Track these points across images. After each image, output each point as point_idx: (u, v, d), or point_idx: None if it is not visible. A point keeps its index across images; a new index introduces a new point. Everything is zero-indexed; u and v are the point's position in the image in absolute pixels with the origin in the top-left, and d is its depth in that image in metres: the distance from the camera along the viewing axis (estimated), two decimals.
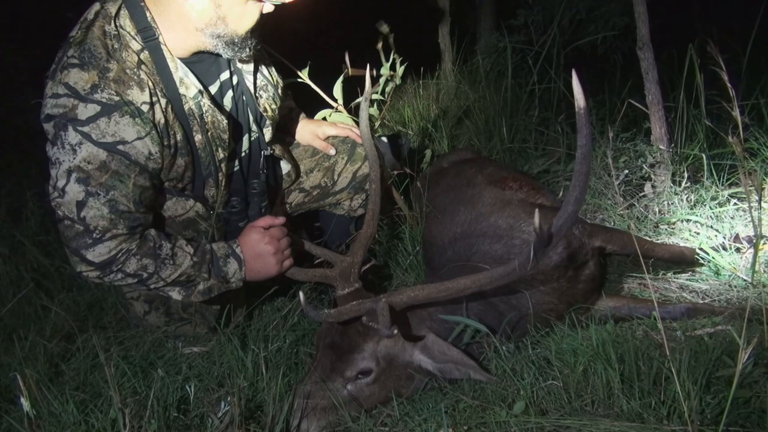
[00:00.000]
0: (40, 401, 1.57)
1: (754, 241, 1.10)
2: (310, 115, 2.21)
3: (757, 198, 1.14)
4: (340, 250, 2.08)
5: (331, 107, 2.15)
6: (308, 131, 2.15)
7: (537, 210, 1.22)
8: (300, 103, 2.23)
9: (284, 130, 2.19)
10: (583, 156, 1.24)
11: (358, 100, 2.13)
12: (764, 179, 2.19)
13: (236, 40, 1.64)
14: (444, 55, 4.59)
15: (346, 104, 2.12)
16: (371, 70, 1.93)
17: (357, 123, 2.15)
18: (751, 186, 1.04)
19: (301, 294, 1.41)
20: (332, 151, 2.12)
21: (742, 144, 1.08)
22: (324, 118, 2.20)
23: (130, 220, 1.61)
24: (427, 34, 5.35)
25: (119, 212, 1.58)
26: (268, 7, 1.63)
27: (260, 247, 1.74)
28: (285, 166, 2.04)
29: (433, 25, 4.87)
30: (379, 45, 2.00)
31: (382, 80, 2.04)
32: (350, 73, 2.01)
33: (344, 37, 4.18)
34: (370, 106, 1.96)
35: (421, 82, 4.16)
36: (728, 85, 1.10)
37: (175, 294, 1.73)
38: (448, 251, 2.00)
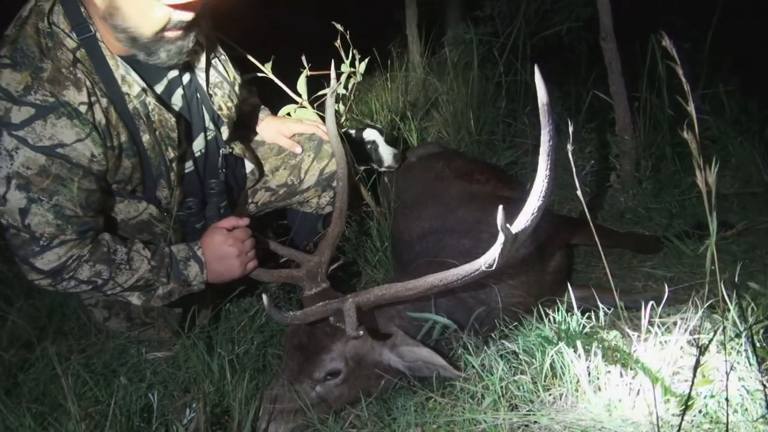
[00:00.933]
0: None
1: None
2: (275, 111, 2.17)
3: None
4: (308, 249, 2.05)
5: (296, 102, 2.11)
6: (273, 129, 2.10)
7: (500, 207, 1.21)
8: (264, 98, 2.18)
9: (248, 128, 2.14)
10: (546, 151, 1.23)
11: (321, 92, 2.10)
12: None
13: (141, 40, 1.51)
14: (411, 47, 4.55)
15: (309, 99, 2.08)
16: (335, 67, 1.90)
17: (322, 119, 2.11)
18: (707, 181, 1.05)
19: (264, 297, 1.38)
20: (298, 149, 2.07)
21: (698, 139, 1.08)
22: (288, 114, 2.16)
23: (79, 225, 1.55)
24: (393, 24, 5.34)
25: (66, 217, 1.52)
26: (180, 15, 1.48)
27: (223, 249, 1.70)
28: (248, 165, 2.00)
29: (400, 14, 4.85)
30: (338, 42, 1.97)
31: (343, 77, 2.01)
32: (309, 74, 1.97)
33: (306, 32, 4.13)
34: (335, 102, 1.92)
35: (389, 74, 4.13)
36: (683, 79, 1.10)
37: (135, 299, 1.68)
38: (416, 246, 1.99)
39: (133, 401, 1.58)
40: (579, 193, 1.34)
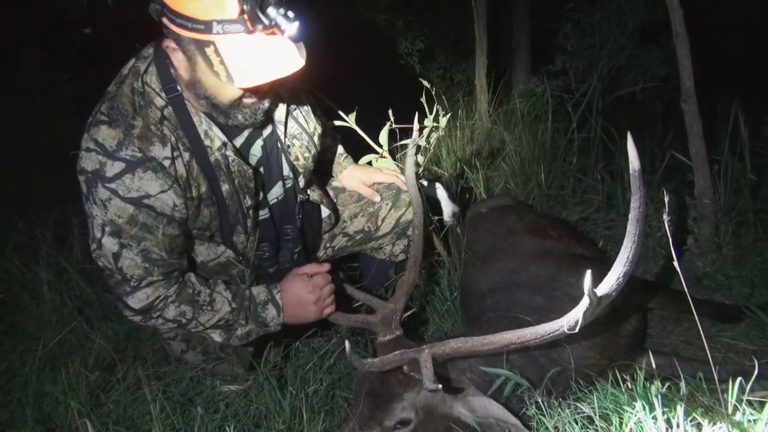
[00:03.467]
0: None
1: None
2: (356, 159, 2.25)
3: None
4: (380, 295, 2.08)
5: (377, 152, 2.19)
6: (355, 177, 2.19)
7: (588, 272, 1.21)
8: (346, 147, 2.27)
9: (329, 174, 2.23)
10: (636, 218, 1.24)
11: (402, 143, 2.17)
12: None
13: (220, 106, 1.62)
14: (480, 96, 4.63)
15: (390, 148, 2.15)
16: (418, 121, 1.97)
17: (401, 169, 2.18)
18: None
19: (346, 343, 1.42)
20: (377, 198, 2.14)
21: None
22: (369, 163, 2.24)
23: (164, 267, 1.67)
24: (459, 71, 5.45)
25: (152, 261, 1.64)
26: (256, 91, 1.57)
27: (302, 295, 1.77)
28: (324, 211, 2.07)
29: (469, 64, 4.95)
30: (423, 98, 2.06)
31: (426, 131, 2.07)
32: (394, 126, 2.05)
33: (389, 85, 4.27)
34: (414, 153, 1.99)
35: (457, 123, 4.20)
36: None
37: (216, 336, 1.77)
38: (487, 299, 1.99)
39: (209, 431, 1.64)
40: (676, 264, 1.33)
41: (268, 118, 1.83)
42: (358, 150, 2.28)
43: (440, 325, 2.20)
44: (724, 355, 1.91)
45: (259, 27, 1.40)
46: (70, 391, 1.86)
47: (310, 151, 1.93)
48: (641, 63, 3.63)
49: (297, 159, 1.90)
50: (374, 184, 2.17)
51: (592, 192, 3.01)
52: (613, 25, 3.86)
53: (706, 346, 1.49)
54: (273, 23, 1.40)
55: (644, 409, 1.44)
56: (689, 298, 1.46)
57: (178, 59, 1.56)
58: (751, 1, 3.90)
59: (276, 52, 1.44)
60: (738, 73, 3.66)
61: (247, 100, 1.63)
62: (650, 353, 1.88)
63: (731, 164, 2.48)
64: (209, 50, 1.44)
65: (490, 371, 1.62)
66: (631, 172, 1.23)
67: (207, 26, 1.40)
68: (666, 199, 1.30)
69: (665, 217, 1.30)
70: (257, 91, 1.61)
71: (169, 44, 1.53)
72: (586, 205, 2.93)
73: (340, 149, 2.26)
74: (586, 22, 3.98)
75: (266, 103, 1.69)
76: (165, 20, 1.46)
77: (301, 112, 1.92)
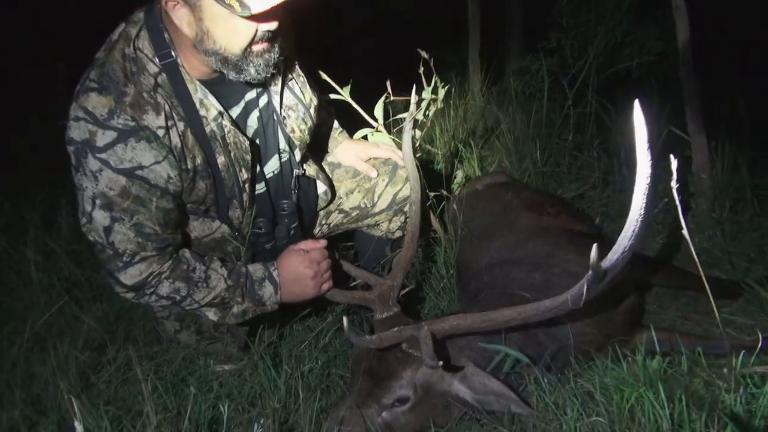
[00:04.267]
0: (72, 415, 1.56)
1: None
2: (350, 133, 2.20)
3: None
4: (377, 272, 2.05)
5: (372, 126, 2.14)
6: (351, 152, 2.13)
7: (595, 246, 1.18)
8: (340, 121, 2.22)
9: (324, 149, 2.18)
10: (643, 190, 1.20)
11: (400, 116, 2.12)
12: None
13: (232, 59, 1.55)
14: (472, 76, 4.58)
15: (385, 123, 2.11)
16: (414, 93, 1.92)
17: (398, 144, 2.13)
18: None
19: (344, 320, 1.39)
20: (374, 173, 2.09)
21: None
22: (365, 137, 2.19)
23: (158, 242, 1.62)
24: (451, 52, 5.38)
25: (145, 235, 1.59)
26: (266, 26, 1.51)
27: (299, 271, 1.73)
28: (320, 186, 2.03)
29: (461, 43, 4.88)
30: (421, 69, 2.00)
31: (424, 103, 2.02)
32: (392, 99, 2.00)
33: (384, 57, 4.20)
34: (412, 128, 1.94)
35: (450, 102, 4.15)
36: None
37: (211, 315, 1.73)
38: (484, 276, 1.96)
39: (202, 411, 1.61)
40: (686, 232, 1.30)
41: (263, 86, 1.78)
42: (352, 124, 2.22)
43: (437, 303, 2.18)
44: (722, 331, 1.90)
45: None
46: (59, 371, 1.82)
47: (306, 123, 1.88)
48: (637, 39, 3.58)
49: (293, 131, 1.85)
50: (371, 159, 2.12)
51: (587, 169, 2.98)
52: (607, 1, 3.81)
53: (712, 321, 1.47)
54: None
55: (645, 384, 1.42)
56: (699, 272, 1.43)
57: (180, 16, 1.48)
58: None
59: None
60: (738, 48, 3.62)
61: (258, 47, 1.56)
62: (644, 328, 1.87)
63: (729, 140, 2.46)
64: None
65: (490, 348, 1.60)
66: (637, 140, 1.19)
67: None
68: (674, 166, 1.26)
69: (673, 184, 1.26)
70: (267, 36, 1.55)
71: (169, 0, 1.45)
72: (582, 182, 2.91)
73: (336, 123, 2.20)
74: None
75: (275, 55, 1.62)
76: None
77: (296, 83, 1.87)
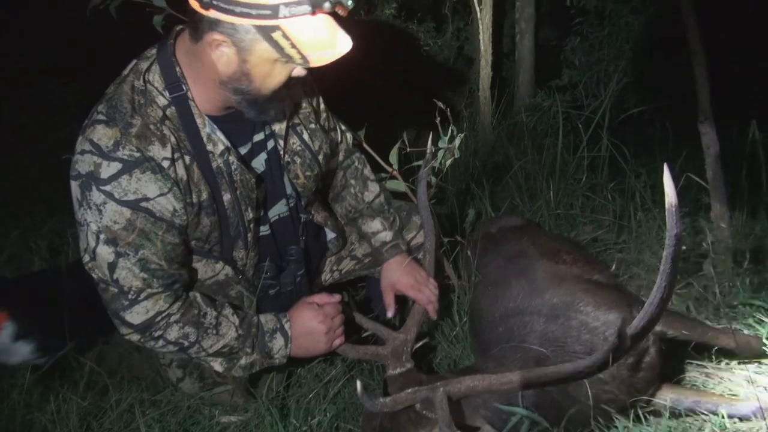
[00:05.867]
0: None
1: None
2: None
3: None
4: (390, 322, 1.99)
5: (386, 172, 2.11)
6: (389, 277, 1.97)
7: (623, 317, 1.13)
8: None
9: (350, 212, 2.08)
10: (670, 256, 1.16)
11: (415, 164, 2.07)
12: None
13: (259, 100, 1.55)
14: (483, 108, 4.57)
15: (400, 170, 2.07)
16: (431, 142, 1.90)
17: (412, 190, 2.10)
18: None
19: (358, 383, 1.34)
20: (390, 314, 1.95)
21: None
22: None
23: (164, 278, 1.57)
24: (462, 82, 5.38)
25: (151, 271, 1.54)
26: (299, 71, 1.53)
27: (312, 325, 1.68)
28: (329, 233, 1.99)
29: (471, 74, 4.88)
30: (438, 119, 1.98)
31: (440, 153, 1.99)
32: (408, 150, 1.98)
33: (400, 104, 4.20)
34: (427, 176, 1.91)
35: (462, 135, 4.12)
36: None
37: (217, 365, 1.67)
38: (499, 327, 1.91)
39: None
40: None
41: (272, 130, 1.76)
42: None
43: (449, 352, 2.12)
44: (746, 391, 1.83)
45: (326, 6, 1.36)
46: (59, 418, 1.77)
47: (312, 171, 1.83)
48: (651, 80, 3.57)
49: (297, 177, 1.81)
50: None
51: (601, 212, 2.93)
52: (622, 40, 3.81)
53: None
54: (336, 1, 1.36)
55: None
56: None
57: (220, 54, 1.46)
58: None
59: (334, 31, 1.43)
60: (756, 92, 3.60)
61: (282, 91, 1.58)
62: (670, 387, 1.81)
63: (748, 188, 2.41)
64: (276, 35, 1.38)
65: (506, 409, 1.54)
66: (666, 207, 1.15)
67: (273, 10, 1.34)
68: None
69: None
70: (291, 82, 1.57)
71: (215, 38, 1.43)
72: (596, 225, 2.86)
73: (387, 236, 2.00)
74: (595, 37, 3.93)
75: (289, 97, 1.65)
76: (214, 12, 1.37)
77: (306, 129, 1.83)
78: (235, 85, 1.51)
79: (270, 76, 1.50)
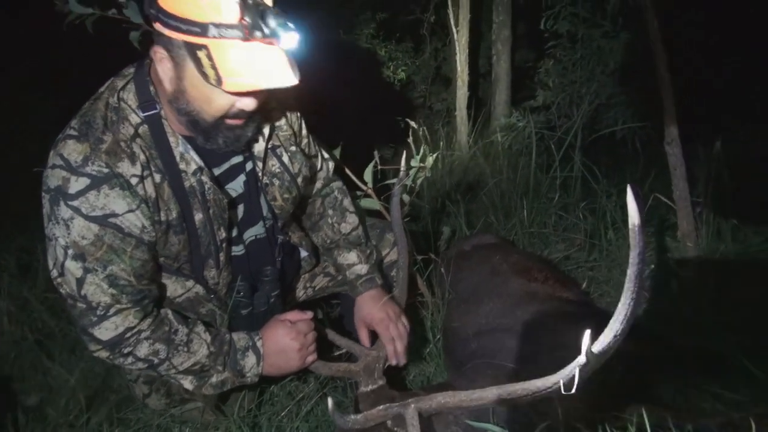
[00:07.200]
0: None
1: None
2: None
3: None
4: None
5: (362, 190, 2.13)
6: (362, 313, 1.92)
7: (587, 333, 1.16)
8: None
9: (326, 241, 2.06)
10: (634, 274, 1.19)
11: (389, 182, 2.09)
12: None
13: (202, 125, 1.51)
14: (460, 128, 4.63)
15: (374, 187, 2.09)
16: (404, 161, 1.93)
17: (386, 208, 2.12)
18: None
19: (329, 400, 1.34)
20: (366, 346, 1.87)
21: None
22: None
23: (133, 294, 1.55)
24: (438, 101, 5.45)
25: (120, 286, 1.53)
26: (245, 103, 1.48)
27: (285, 342, 1.67)
28: (303, 252, 1.99)
29: (449, 94, 4.95)
30: (410, 139, 2.01)
31: (413, 172, 2.02)
32: (380, 167, 1.99)
33: (376, 122, 4.21)
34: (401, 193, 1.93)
35: (437, 154, 4.16)
36: None
37: (187, 383, 1.65)
38: (472, 344, 1.93)
39: None
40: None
41: (251, 152, 1.75)
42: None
43: (422, 369, 2.13)
44: (712, 406, 1.87)
45: (258, 34, 1.33)
46: None
47: (290, 193, 1.83)
48: (622, 102, 3.67)
49: (275, 199, 1.80)
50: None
51: (573, 230, 2.99)
52: (593, 63, 3.92)
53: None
54: (272, 33, 1.33)
55: None
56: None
57: (164, 69, 1.46)
58: (736, 41, 4.00)
59: (270, 63, 1.38)
60: (721, 112, 3.72)
61: (231, 122, 1.53)
62: (639, 405, 1.84)
63: (713, 207, 2.48)
64: (201, 53, 1.36)
65: (477, 426, 1.55)
66: (630, 227, 1.19)
67: (203, 29, 1.33)
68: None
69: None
70: (243, 115, 1.52)
71: (158, 51, 1.44)
72: (568, 243, 2.91)
73: (363, 269, 1.97)
74: (568, 60, 4.03)
75: (249, 132, 1.60)
76: (158, 25, 1.38)
77: (286, 151, 1.82)
78: (177, 105, 1.51)
79: (208, 101, 1.47)
